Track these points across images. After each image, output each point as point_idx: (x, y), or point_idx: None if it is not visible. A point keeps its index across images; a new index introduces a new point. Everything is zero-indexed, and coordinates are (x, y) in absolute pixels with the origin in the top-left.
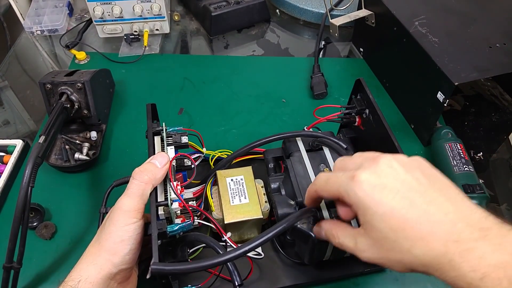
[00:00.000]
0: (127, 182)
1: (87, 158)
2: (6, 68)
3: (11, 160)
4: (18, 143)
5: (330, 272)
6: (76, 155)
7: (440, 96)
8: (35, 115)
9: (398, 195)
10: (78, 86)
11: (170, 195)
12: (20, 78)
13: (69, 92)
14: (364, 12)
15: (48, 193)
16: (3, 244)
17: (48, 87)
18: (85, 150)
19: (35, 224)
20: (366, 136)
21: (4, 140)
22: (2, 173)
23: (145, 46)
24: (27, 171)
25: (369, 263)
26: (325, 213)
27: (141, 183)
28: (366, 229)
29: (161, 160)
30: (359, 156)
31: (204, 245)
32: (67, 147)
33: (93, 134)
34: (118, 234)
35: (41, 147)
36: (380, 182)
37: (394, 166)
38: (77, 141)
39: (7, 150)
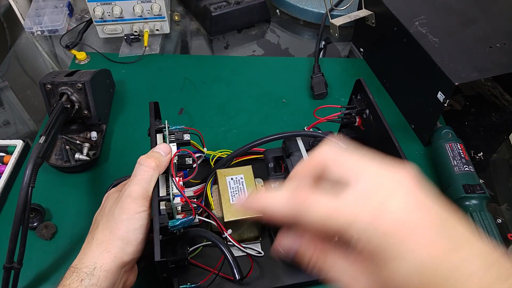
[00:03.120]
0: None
1: (88, 158)
2: (7, 68)
3: (12, 160)
4: (19, 144)
5: None
6: (77, 155)
7: (440, 96)
8: (35, 116)
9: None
10: (79, 86)
11: (172, 190)
12: (20, 79)
13: (69, 93)
14: (364, 12)
15: (49, 194)
16: (3, 244)
17: (48, 87)
18: (85, 150)
19: (35, 224)
20: (366, 136)
21: (4, 140)
22: (2, 173)
23: (145, 46)
24: (27, 172)
25: None
26: None
27: (149, 168)
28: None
29: (164, 149)
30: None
31: (204, 244)
32: (67, 147)
33: (93, 134)
34: (131, 222)
35: (41, 148)
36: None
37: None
38: (78, 141)
39: (7, 150)
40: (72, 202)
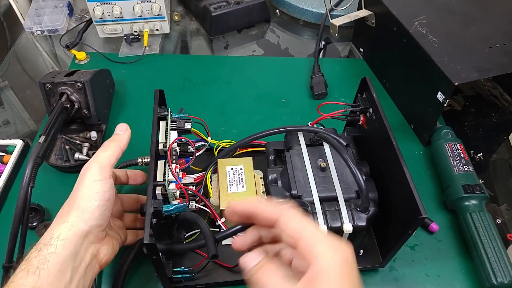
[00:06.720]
0: (128, 165)
1: (87, 158)
2: (6, 68)
3: (11, 160)
4: (18, 143)
5: None
6: (76, 155)
7: (440, 96)
8: (35, 115)
9: None
10: (78, 86)
11: (168, 176)
12: (20, 78)
13: (69, 92)
14: (364, 12)
15: (48, 193)
16: (3, 244)
17: (48, 87)
18: (85, 150)
19: (35, 224)
20: (369, 135)
21: (4, 140)
22: (2, 173)
23: (145, 46)
24: (27, 171)
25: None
26: (317, 206)
27: (109, 145)
28: None
29: (121, 128)
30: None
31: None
32: (67, 147)
33: (93, 134)
34: (85, 191)
35: (41, 147)
36: None
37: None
38: (77, 141)
39: (7, 150)
40: None
